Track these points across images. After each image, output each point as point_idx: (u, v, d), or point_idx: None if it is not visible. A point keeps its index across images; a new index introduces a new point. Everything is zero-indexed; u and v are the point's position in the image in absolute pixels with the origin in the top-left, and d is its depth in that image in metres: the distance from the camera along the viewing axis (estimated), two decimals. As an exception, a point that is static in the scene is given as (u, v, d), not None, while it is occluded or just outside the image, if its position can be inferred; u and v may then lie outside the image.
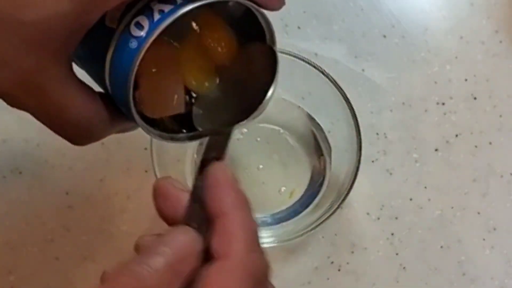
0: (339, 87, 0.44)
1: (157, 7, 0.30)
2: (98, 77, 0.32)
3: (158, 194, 0.32)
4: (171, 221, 0.31)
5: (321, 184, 0.47)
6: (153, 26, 0.30)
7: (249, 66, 0.35)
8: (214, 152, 0.33)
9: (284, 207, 0.47)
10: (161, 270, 0.28)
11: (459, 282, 0.48)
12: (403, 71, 0.51)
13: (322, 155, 0.48)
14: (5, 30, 0.28)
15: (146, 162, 0.48)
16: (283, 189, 0.48)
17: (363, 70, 0.51)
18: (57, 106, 0.31)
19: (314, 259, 0.48)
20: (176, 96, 0.34)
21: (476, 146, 0.50)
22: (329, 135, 0.48)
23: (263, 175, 0.48)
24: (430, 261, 0.48)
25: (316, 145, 0.48)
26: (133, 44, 0.30)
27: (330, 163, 0.47)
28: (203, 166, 0.32)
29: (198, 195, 0.31)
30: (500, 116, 0.50)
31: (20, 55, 0.28)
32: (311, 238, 0.48)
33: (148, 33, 0.30)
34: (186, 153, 0.47)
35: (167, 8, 0.30)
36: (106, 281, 0.28)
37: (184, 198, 0.31)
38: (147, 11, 0.30)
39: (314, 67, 0.44)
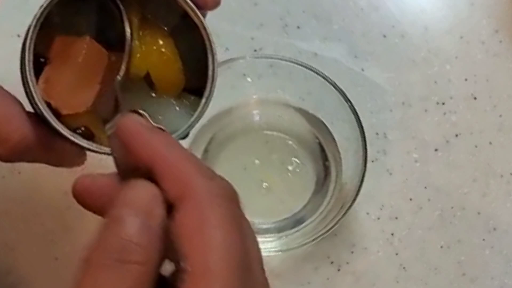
0: (340, 88, 0.44)
1: None
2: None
3: (81, 197, 0.30)
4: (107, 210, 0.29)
5: (326, 191, 0.47)
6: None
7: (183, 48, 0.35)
8: None
9: (288, 215, 0.47)
10: (137, 234, 0.26)
11: (459, 282, 0.48)
12: (403, 71, 0.51)
13: (327, 160, 0.48)
14: None
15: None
16: (286, 197, 0.47)
17: (363, 70, 0.51)
18: None
19: (314, 259, 0.48)
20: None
21: (476, 146, 0.50)
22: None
23: (266, 183, 0.48)
24: (430, 261, 0.48)
25: (321, 151, 0.48)
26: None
27: (338, 170, 0.47)
28: None
29: (123, 159, 0.29)
30: (500, 116, 0.50)
31: None
32: (311, 238, 0.48)
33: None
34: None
35: None
36: (89, 263, 0.26)
37: (110, 180, 0.30)
38: None
39: (316, 72, 0.44)
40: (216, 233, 0.27)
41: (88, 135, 0.33)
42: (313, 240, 0.43)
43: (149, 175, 0.28)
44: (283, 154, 0.48)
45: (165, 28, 0.35)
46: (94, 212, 0.31)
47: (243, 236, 0.28)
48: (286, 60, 0.45)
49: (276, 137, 0.48)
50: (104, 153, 0.33)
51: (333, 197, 0.46)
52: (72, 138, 0.32)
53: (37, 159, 0.33)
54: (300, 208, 0.47)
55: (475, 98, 0.50)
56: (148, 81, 0.35)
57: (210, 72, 0.34)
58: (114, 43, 0.34)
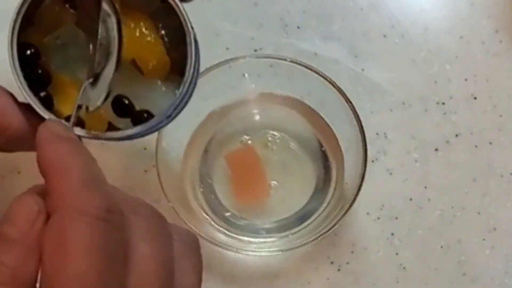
0: (340, 89, 0.44)
1: None
2: None
3: None
4: None
5: (326, 191, 0.47)
6: None
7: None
8: None
9: (288, 215, 0.47)
10: (15, 252, 0.26)
11: (459, 282, 0.48)
12: (403, 71, 0.51)
13: (327, 161, 0.48)
14: None
15: (145, 162, 0.48)
16: (286, 197, 0.47)
17: (363, 70, 0.51)
18: None
19: (314, 259, 0.48)
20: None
21: (476, 146, 0.50)
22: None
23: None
24: (430, 261, 0.48)
25: (322, 151, 0.48)
26: None
27: (339, 170, 0.47)
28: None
29: None
30: (500, 116, 0.50)
31: None
32: (311, 238, 0.48)
33: None
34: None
35: None
36: None
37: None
38: None
39: (316, 72, 0.44)
40: (71, 256, 0.25)
41: (78, 122, 0.34)
42: (313, 240, 0.43)
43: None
44: (283, 154, 0.48)
45: (145, 13, 0.36)
46: None
47: (109, 263, 0.26)
48: (286, 60, 0.45)
49: (276, 137, 0.48)
50: (93, 138, 0.34)
51: (333, 197, 0.46)
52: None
53: (31, 147, 0.33)
54: (300, 208, 0.47)
55: (475, 98, 0.50)
56: (135, 64, 0.36)
57: (189, 52, 0.35)
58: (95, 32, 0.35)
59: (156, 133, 0.44)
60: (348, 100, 0.44)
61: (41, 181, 0.49)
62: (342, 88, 0.44)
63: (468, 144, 0.50)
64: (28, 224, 0.27)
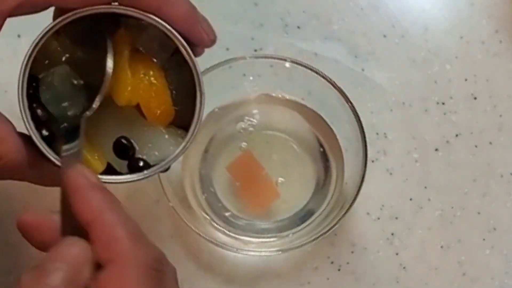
0: (340, 89, 0.44)
1: None
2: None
3: (25, 230, 0.32)
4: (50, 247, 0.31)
5: (326, 191, 0.47)
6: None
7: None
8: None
9: (288, 215, 0.47)
10: (60, 286, 0.28)
11: (459, 282, 0.48)
12: (403, 71, 0.51)
13: (328, 161, 0.48)
14: None
15: (146, 162, 0.48)
16: (286, 197, 0.47)
17: (363, 70, 0.51)
18: None
19: (314, 259, 0.48)
20: None
21: (476, 146, 0.50)
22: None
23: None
24: (430, 261, 0.48)
25: (322, 151, 0.48)
26: None
27: (339, 170, 0.47)
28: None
29: (67, 205, 0.30)
30: (500, 116, 0.50)
31: None
32: (311, 238, 0.48)
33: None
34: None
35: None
36: None
37: (55, 220, 0.31)
38: None
39: (316, 72, 0.44)
40: None
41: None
42: (313, 240, 0.43)
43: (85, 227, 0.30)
44: (283, 154, 0.48)
45: (157, 62, 0.36)
46: (36, 246, 0.32)
47: None
48: (286, 60, 0.45)
49: (276, 137, 0.48)
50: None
51: (333, 197, 0.46)
52: (55, 161, 0.34)
53: (24, 177, 0.35)
54: (301, 208, 0.47)
55: (475, 98, 0.50)
56: (139, 110, 0.36)
57: (197, 109, 0.35)
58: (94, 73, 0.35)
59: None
60: (348, 100, 0.44)
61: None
62: (342, 88, 0.45)
63: (468, 144, 0.50)
64: (77, 268, 0.29)
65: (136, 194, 0.48)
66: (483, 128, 0.50)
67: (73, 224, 0.30)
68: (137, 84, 0.35)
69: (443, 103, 0.50)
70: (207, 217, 0.46)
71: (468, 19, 0.52)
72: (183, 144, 0.36)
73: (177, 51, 0.35)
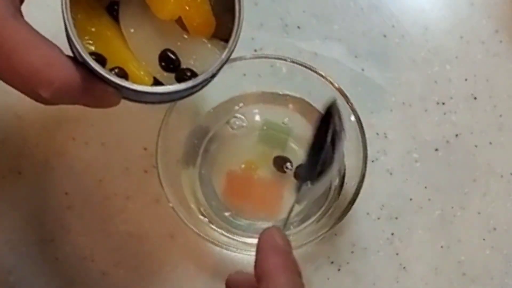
0: (340, 89, 0.44)
1: None
2: None
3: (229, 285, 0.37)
4: None
5: (326, 192, 0.47)
6: None
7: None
8: None
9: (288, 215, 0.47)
10: None
11: (459, 282, 0.48)
12: (403, 71, 0.51)
13: None
14: None
15: (145, 162, 0.48)
16: (287, 196, 0.47)
17: (363, 70, 0.51)
18: (10, 46, 0.31)
19: (314, 259, 0.48)
20: None
21: (476, 146, 0.50)
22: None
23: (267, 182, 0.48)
24: (430, 261, 0.48)
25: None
26: None
27: (340, 170, 0.47)
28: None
29: None
30: (500, 116, 0.50)
31: None
32: (311, 238, 0.48)
33: None
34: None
35: None
36: None
37: (250, 278, 0.35)
38: None
39: (316, 72, 0.44)
40: None
41: (123, 75, 0.35)
42: (313, 240, 0.43)
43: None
44: (283, 153, 0.48)
45: None
46: None
47: None
48: (286, 60, 0.45)
49: (276, 136, 0.48)
50: (136, 91, 0.34)
51: (334, 197, 0.46)
52: (108, 76, 0.33)
53: (77, 100, 0.34)
54: (301, 208, 0.47)
55: (475, 98, 0.50)
56: (181, 23, 0.36)
57: (237, 14, 0.36)
58: None
59: (157, 134, 0.44)
60: (348, 100, 0.44)
61: (41, 181, 0.49)
62: (342, 88, 0.44)
63: (468, 144, 0.50)
64: None
65: (136, 194, 0.48)
66: (483, 128, 0.50)
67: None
68: None
69: (443, 103, 0.50)
70: (207, 217, 0.46)
71: (468, 19, 0.52)
72: (227, 50, 0.36)
73: None
